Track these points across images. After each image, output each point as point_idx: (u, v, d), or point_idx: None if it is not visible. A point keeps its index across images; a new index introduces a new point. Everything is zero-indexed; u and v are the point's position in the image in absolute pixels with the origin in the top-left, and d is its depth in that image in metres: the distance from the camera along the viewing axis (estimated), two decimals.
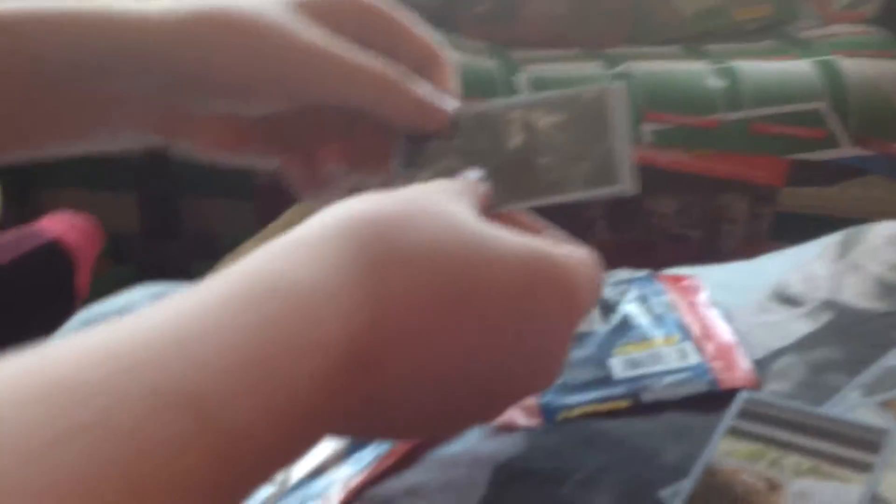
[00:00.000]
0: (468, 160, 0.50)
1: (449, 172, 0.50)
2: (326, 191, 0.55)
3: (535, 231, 0.48)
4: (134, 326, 0.33)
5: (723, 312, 0.65)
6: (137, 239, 1.88)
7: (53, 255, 0.86)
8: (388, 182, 0.52)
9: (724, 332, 0.62)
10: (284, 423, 0.34)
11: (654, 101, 1.12)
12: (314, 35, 0.49)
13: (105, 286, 1.97)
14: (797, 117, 1.13)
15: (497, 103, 0.53)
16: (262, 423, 0.33)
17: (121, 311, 0.69)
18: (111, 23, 0.50)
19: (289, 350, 0.34)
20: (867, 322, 0.61)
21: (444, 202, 0.42)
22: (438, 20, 1.34)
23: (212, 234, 1.94)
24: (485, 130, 0.51)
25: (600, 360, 0.60)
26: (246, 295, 0.35)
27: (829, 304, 0.64)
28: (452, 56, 0.54)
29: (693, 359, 0.60)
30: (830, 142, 1.13)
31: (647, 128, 1.10)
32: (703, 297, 0.66)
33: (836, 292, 0.65)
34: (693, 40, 1.35)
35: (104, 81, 0.51)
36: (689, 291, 0.67)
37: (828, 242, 0.71)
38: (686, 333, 0.62)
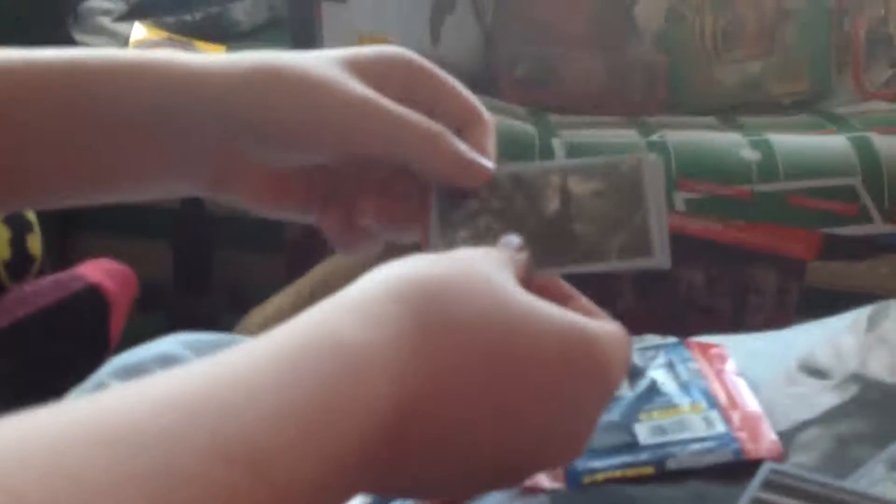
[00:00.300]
0: (504, 222, 0.51)
1: (487, 233, 0.50)
2: (361, 245, 0.56)
3: (568, 299, 0.48)
4: (192, 378, 0.34)
5: (749, 382, 0.65)
6: (169, 288, 1.89)
7: (91, 301, 0.88)
8: (424, 239, 0.53)
9: (751, 402, 0.62)
10: (327, 479, 0.35)
11: (688, 169, 1.13)
12: (361, 90, 0.51)
13: (135, 334, 1.98)
14: (831, 191, 1.14)
15: (533, 165, 0.53)
16: (307, 478, 0.33)
17: (153, 360, 0.70)
18: (175, 72, 0.52)
19: (341, 408, 0.35)
20: (893, 396, 0.61)
21: (490, 272, 0.43)
22: (478, 83, 1.36)
23: (242, 287, 1.95)
24: (521, 192, 0.52)
25: (626, 425, 0.61)
26: (301, 352, 0.36)
27: (856, 378, 0.64)
28: (491, 117, 0.55)
29: (719, 428, 0.60)
30: (863, 217, 1.14)
31: (680, 196, 1.11)
32: (730, 366, 0.66)
33: (863, 366, 0.65)
34: (730, 111, 1.36)
35: (167, 130, 0.53)
36: (717, 360, 0.67)
37: (857, 316, 0.71)
38: (713, 402, 0.62)
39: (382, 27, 1.35)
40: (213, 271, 1.93)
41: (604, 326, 0.44)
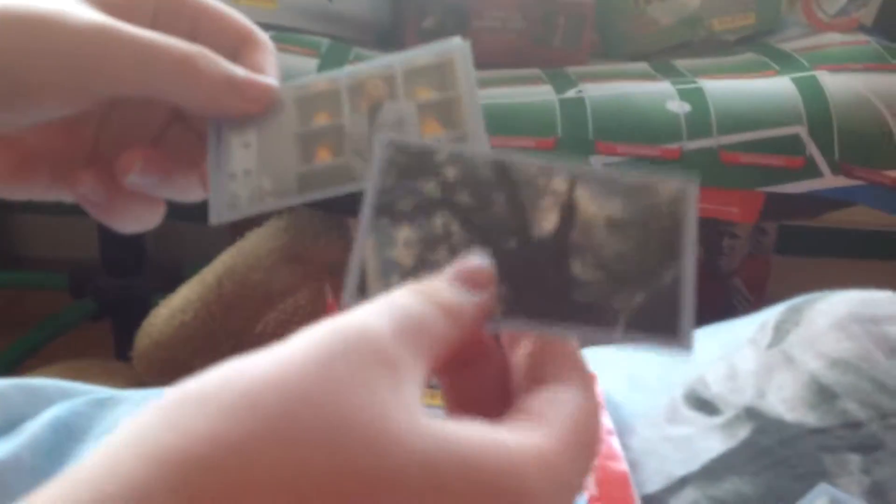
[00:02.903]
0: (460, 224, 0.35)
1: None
2: (134, 212, 0.47)
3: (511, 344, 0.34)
4: None
5: (623, 423, 0.53)
6: (98, 268, 1.80)
7: None
8: (207, 189, 0.45)
9: (616, 456, 0.50)
10: None
11: (607, 129, 1.00)
12: (96, 16, 0.42)
13: (66, 320, 1.88)
14: (772, 144, 1.00)
15: (529, 158, 0.36)
16: None
17: None
18: None
19: None
20: (793, 442, 0.49)
21: (349, 400, 0.27)
22: (382, 38, 1.22)
23: (181, 262, 1.85)
24: (504, 191, 0.35)
25: None
26: None
27: (750, 413, 0.51)
28: (268, 39, 0.47)
29: None
30: (809, 171, 1.00)
31: (599, 161, 0.98)
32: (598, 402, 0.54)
33: (760, 396, 0.52)
34: (666, 54, 1.22)
35: None
36: None
37: (764, 321, 0.59)
38: None
39: None
40: (145, 247, 1.82)
41: (539, 444, 0.29)
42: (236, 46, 0.46)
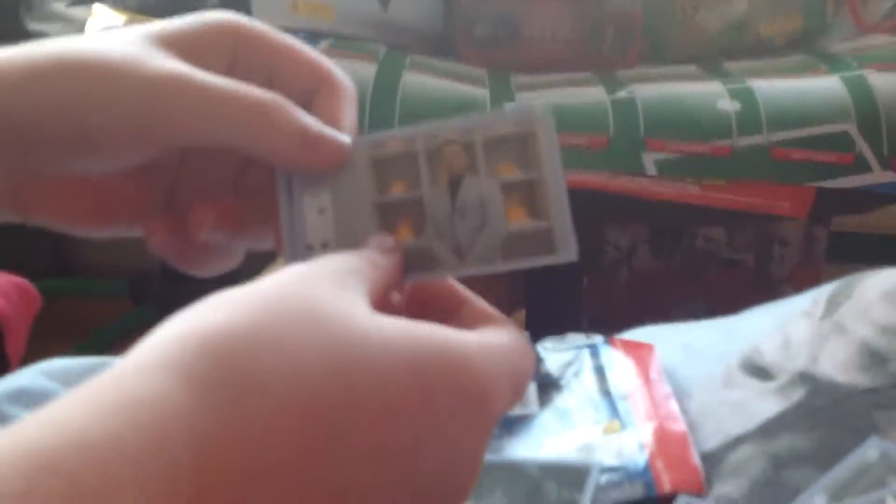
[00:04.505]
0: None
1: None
2: (209, 263, 0.46)
3: (459, 306, 0.39)
4: None
5: (681, 387, 0.55)
6: (157, 276, 1.84)
7: None
8: (279, 245, 0.44)
9: (676, 417, 0.52)
10: None
11: (659, 127, 1.02)
12: (170, 65, 0.42)
13: (127, 326, 1.92)
14: (821, 140, 1.02)
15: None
16: None
17: (6, 397, 0.61)
18: None
19: None
20: (845, 401, 0.51)
21: (320, 297, 0.34)
22: (436, 46, 1.25)
23: (235, 270, 1.88)
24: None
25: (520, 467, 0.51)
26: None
27: (803, 378, 0.54)
28: (347, 79, 0.45)
29: (632, 454, 0.50)
30: (859, 167, 1.02)
31: (650, 157, 1.00)
32: (656, 370, 0.56)
33: (813, 362, 0.54)
34: (715, 58, 1.24)
35: None
36: (646, 362, 0.57)
37: (816, 296, 0.61)
38: (629, 419, 0.53)
39: None
40: None
41: (480, 338, 0.35)
42: (314, 88, 0.45)
